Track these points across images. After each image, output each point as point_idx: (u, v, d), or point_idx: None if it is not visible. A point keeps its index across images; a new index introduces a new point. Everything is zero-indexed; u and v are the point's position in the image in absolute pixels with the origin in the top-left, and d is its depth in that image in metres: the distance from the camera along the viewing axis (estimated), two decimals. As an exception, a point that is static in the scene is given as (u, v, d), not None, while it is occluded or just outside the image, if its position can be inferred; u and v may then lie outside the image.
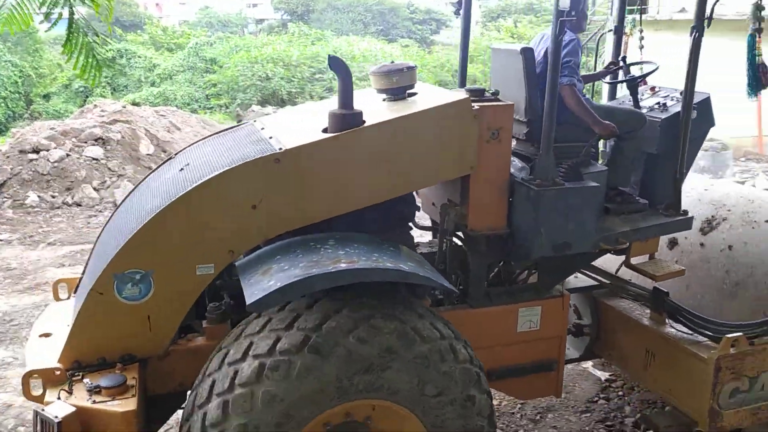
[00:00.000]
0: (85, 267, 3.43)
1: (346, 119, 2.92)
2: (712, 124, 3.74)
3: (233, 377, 2.41)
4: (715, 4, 3.38)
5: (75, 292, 3.46)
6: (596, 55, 4.51)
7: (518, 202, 3.20)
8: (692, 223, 3.64)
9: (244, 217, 2.82)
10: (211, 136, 3.68)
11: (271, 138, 3.04)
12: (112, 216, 3.45)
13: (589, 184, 3.25)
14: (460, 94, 3.11)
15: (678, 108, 3.60)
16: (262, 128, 3.31)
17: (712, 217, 3.94)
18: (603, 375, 5.03)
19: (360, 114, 2.95)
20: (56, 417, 2.41)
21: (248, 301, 2.48)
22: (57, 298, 3.50)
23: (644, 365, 3.58)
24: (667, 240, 4.01)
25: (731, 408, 3.25)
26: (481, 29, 34.97)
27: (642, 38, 4.47)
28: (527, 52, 3.35)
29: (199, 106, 24.31)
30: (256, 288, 2.54)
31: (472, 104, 3.04)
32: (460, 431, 2.70)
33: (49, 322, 3.19)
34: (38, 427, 2.46)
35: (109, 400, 2.54)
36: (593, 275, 4.01)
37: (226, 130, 3.68)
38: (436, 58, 33.13)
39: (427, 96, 3.23)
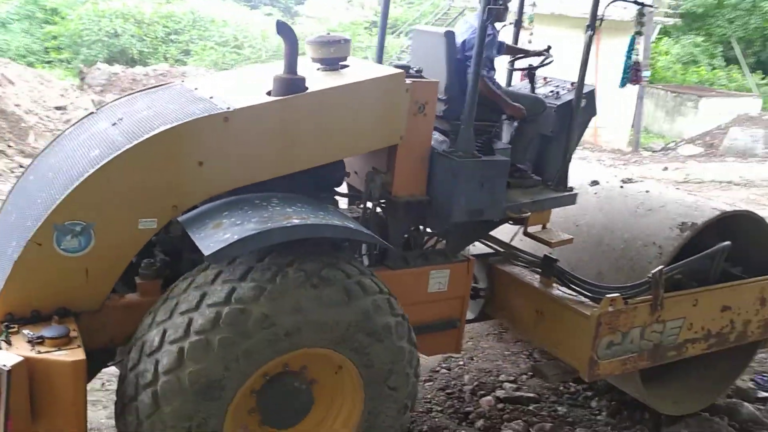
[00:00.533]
0: None
1: (291, 84, 3.10)
2: (594, 113, 4.32)
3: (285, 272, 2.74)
4: (607, 6, 3.94)
5: None
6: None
7: (439, 172, 3.55)
8: (576, 199, 4.22)
9: (190, 173, 2.92)
10: (135, 92, 3.66)
11: (212, 98, 3.14)
12: (30, 168, 3.36)
13: (501, 158, 3.68)
14: (394, 69, 3.39)
15: (569, 97, 4.14)
16: (196, 88, 3.38)
17: (632, 176, 4.62)
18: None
19: (303, 80, 3.14)
20: (5, 366, 2.41)
21: (206, 252, 2.61)
22: None
23: (534, 323, 4.10)
24: (589, 180, 4.69)
25: (606, 358, 3.85)
26: (345, 5, 35.23)
27: (532, 33, 5.03)
28: (450, 36, 3.70)
29: (37, 60, 22.43)
30: (211, 240, 2.67)
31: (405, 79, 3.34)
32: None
33: None
34: (-18, 378, 2.44)
35: (54, 351, 2.57)
36: (489, 244, 4.50)
37: (151, 88, 3.68)
38: (299, 30, 32.96)
39: (360, 69, 3.47)
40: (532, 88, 4.36)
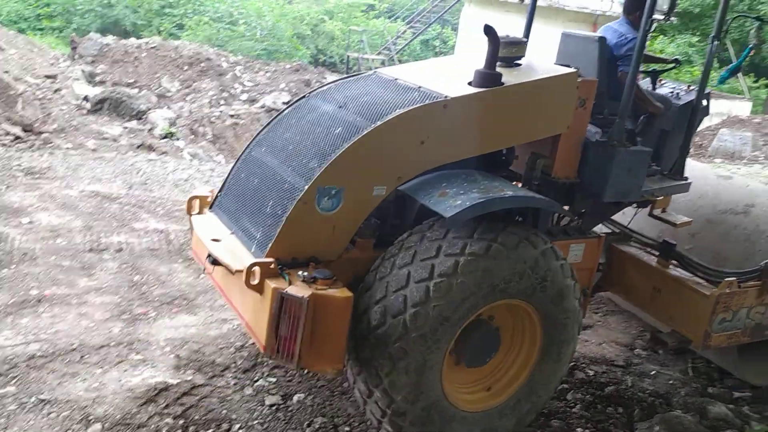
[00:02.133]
0: (223, 185, 4.22)
1: (492, 78, 4.00)
2: (708, 113, 5.29)
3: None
4: (732, 20, 4.90)
5: (210, 207, 4.25)
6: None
7: (593, 158, 4.45)
8: (689, 187, 5.18)
9: (413, 150, 3.81)
10: (336, 81, 4.55)
11: (420, 87, 4.02)
12: (256, 142, 4.25)
13: (645, 148, 4.62)
14: (568, 68, 4.30)
15: (689, 98, 5.10)
16: (396, 78, 4.25)
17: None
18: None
19: (500, 75, 4.04)
20: (303, 296, 3.29)
21: (446, 215, 3.52)
22: (190, 212, 4.25)
23: (650, 298, 5.05)
24: None
25: (717, 332, 4.80)
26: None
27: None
28: (603, 42, 4.63)
29: (29, 27, 22.99)
30: (446, 205, 3.58)
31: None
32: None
33: (206, 230, 3.97)
34: (280, 306, 3.30)
35: (327, 289, 3.45)
36: (606, 224, 5.44)
37: (348, 77, 4.56)
38: (296, 9, 33.80)
39: (536, 67, 4.38)
40: (653, 89, 5.30)
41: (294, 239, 3.62)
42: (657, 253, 5.13)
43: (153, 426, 4.12)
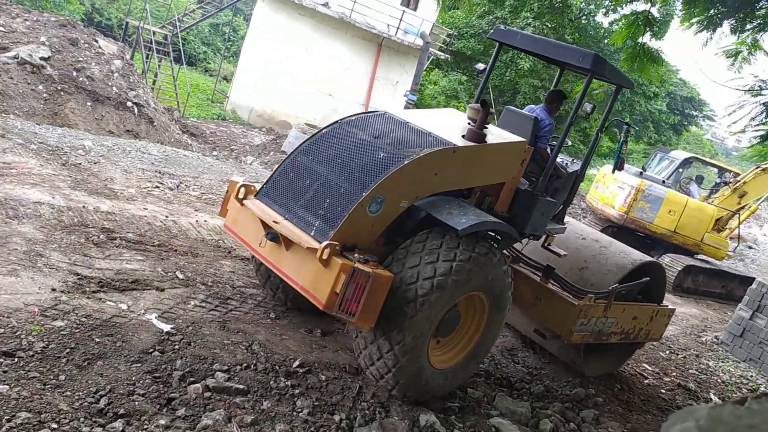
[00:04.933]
0: (269, 179, 5.26)
1: (482, 136, 5.49)
2: (583, 179, 7.20)
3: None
4: (611, 121, 6.83)
5: (256, 195, 5.25)
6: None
7: (520, 201, 6.10)
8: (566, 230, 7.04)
9: (429, 178, 5.17)
10: (358, 114, 5.71)
11: (430, 134, 5.38)
12: (299, 151, 5.32)
13: (553, 200, 6.35)
14: (520, 138, 5.90)
15: (574, 167, 6.97)
16: (408, 121, 5.56)
17: None
18: (166, 327, 5.35)
19: (485, 135, 5.54)
20: (370, 272, 4.51)
21: (458, 228, 4.91)
22: (238, 197, 5.22)
23: (533, 304, 6.80)
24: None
25: (577, 331, 6.65)
26: None
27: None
28: (537, 120, 6.31)
29: None
30: (455, 221, 4.97)
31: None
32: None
33: (264, 213, 5.00)
34: (351, 277, 4.47)
35: (377, 268, 4.68)
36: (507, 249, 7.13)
37: (364, 113, 5.76)
38: None
39: (499, 132, 5.94)
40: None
41: (348, 230, 4.81)
42: (540, 273, 6.91)
43: None
